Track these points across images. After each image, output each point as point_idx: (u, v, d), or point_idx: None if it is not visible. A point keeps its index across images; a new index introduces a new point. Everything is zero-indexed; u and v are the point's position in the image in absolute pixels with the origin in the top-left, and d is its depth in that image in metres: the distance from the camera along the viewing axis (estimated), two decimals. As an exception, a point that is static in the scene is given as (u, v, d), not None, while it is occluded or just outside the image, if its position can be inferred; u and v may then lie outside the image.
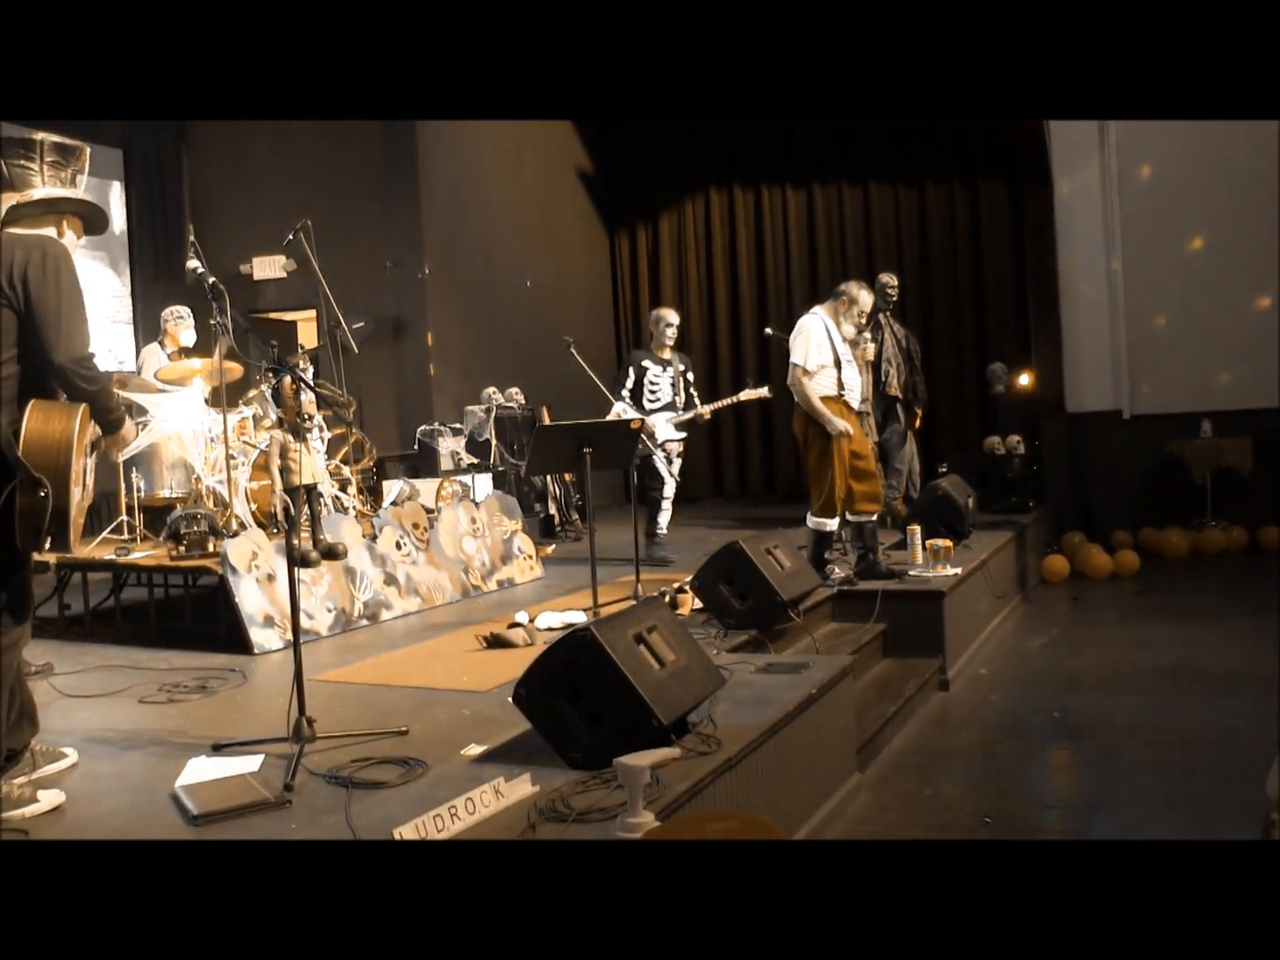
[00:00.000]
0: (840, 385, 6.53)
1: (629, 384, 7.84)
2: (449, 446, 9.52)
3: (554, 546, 9.18)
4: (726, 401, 8.28)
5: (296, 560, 3.89)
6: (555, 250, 13.56)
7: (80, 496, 3.19)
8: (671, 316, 8.00)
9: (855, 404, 6.69)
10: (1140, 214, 10.96)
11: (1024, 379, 10.89)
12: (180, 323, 7.49)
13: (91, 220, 3.55)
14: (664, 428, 7.84)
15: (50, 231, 3.37)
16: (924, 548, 6.97)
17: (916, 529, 7.14)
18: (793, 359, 6.56)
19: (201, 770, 3.48)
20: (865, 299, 6.71)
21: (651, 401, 7.82)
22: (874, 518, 6.82)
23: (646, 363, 7.89)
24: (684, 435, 8.02)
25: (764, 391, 8.22)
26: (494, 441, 9.93)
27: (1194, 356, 10.80)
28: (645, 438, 7.51)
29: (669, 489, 7.93)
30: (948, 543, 6.98)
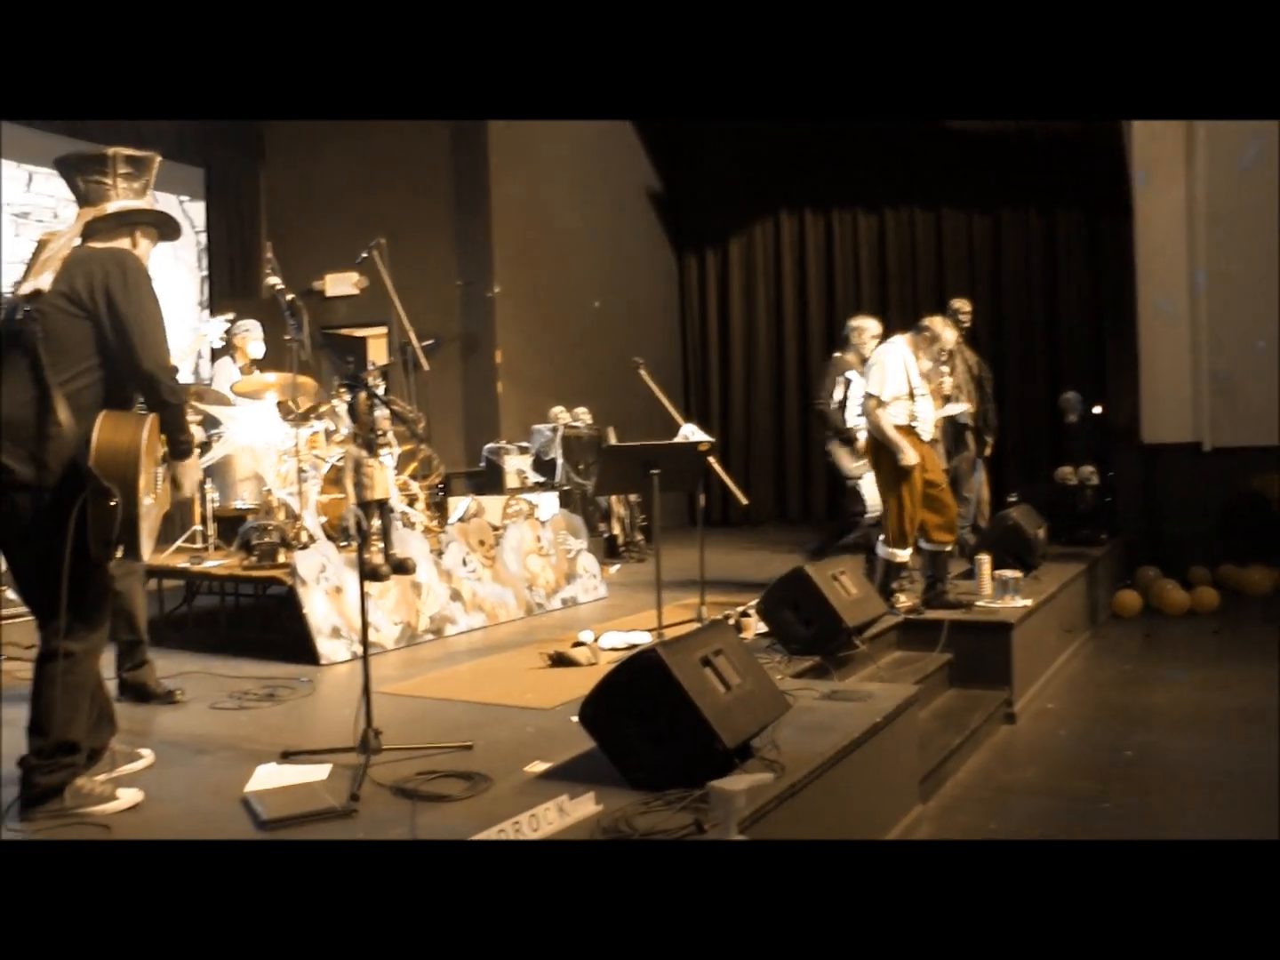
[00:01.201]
0: (912, 416, 6.54)
1: (838, 396, 7.62)
2: (515, 464, 9.63)
3: (618, 567, 9.24)
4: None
5: (367, 574, 3.96)
6: (624, 272, 13.67)
7: (152, 505, 3.27)
8: (876, 327, 7.84)
9: (926, 436, 6.67)
10: (1224, 241, 10.81)
11: (1098, 409, 10.78)
12: (247, 335, 7.52)
13: (164, 229, 3.63)
14: None
15: (125, 244, 3.44)
16: (992, 578, 6.94)
17: (985, 559, 7.10)
18: (867, 388, 6.57)
19: (271, 777, 3.56)
20: (949, 336, 6.75)
21: (859, 416, 7.55)
22: (948, 547, 6.82)
23: (852, 375, 7.68)
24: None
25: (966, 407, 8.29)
26: (560, 461, 10.02)
27: (1277, 387, 10.62)
28: (857, 458, 7.50)
29: (873, 516, 7.60)
30: (1017, 573, 6.93)
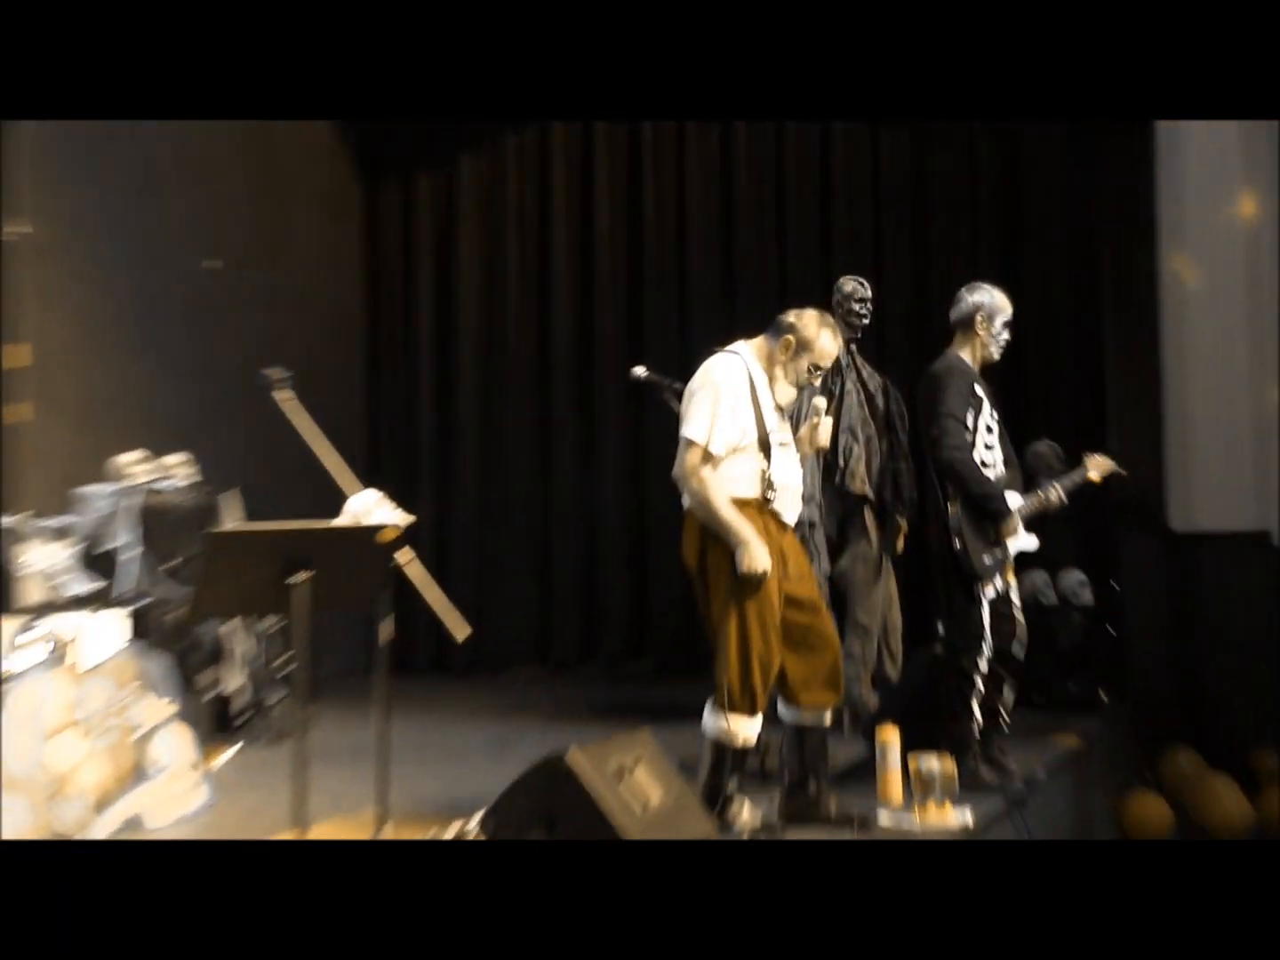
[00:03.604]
0: (766, 483, 6.63)
1: (969, 423, 7.65)
2: (42, 559, 9.41)
3: (236, 749, 9.12)
4: (1071, 481, 8.24)
5: None
6: (265, 220, 13.61)
7: None
8: (1007, 307, 7.97)
9: (789, 515, 6.79)
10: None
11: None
12: None
13: None
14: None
15: None
16: (906, 772, 7.06)
17: (893, 736, 7.22)
18: (684, 431, 6.62)
19: None
20: (827, 345, 6.78)
21: (987, 464, 7.72)
22: (826, 715, 6.89)
23: (980, 389, 7.76)
24: (1035, 546, 7.89)
25: (1113, 465, 8.43)
26: (134, 552, 9.84)
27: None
28: (974, 544, 7.57)
29: (987, 657, 7.63)
30: (949, 764, 7.05)
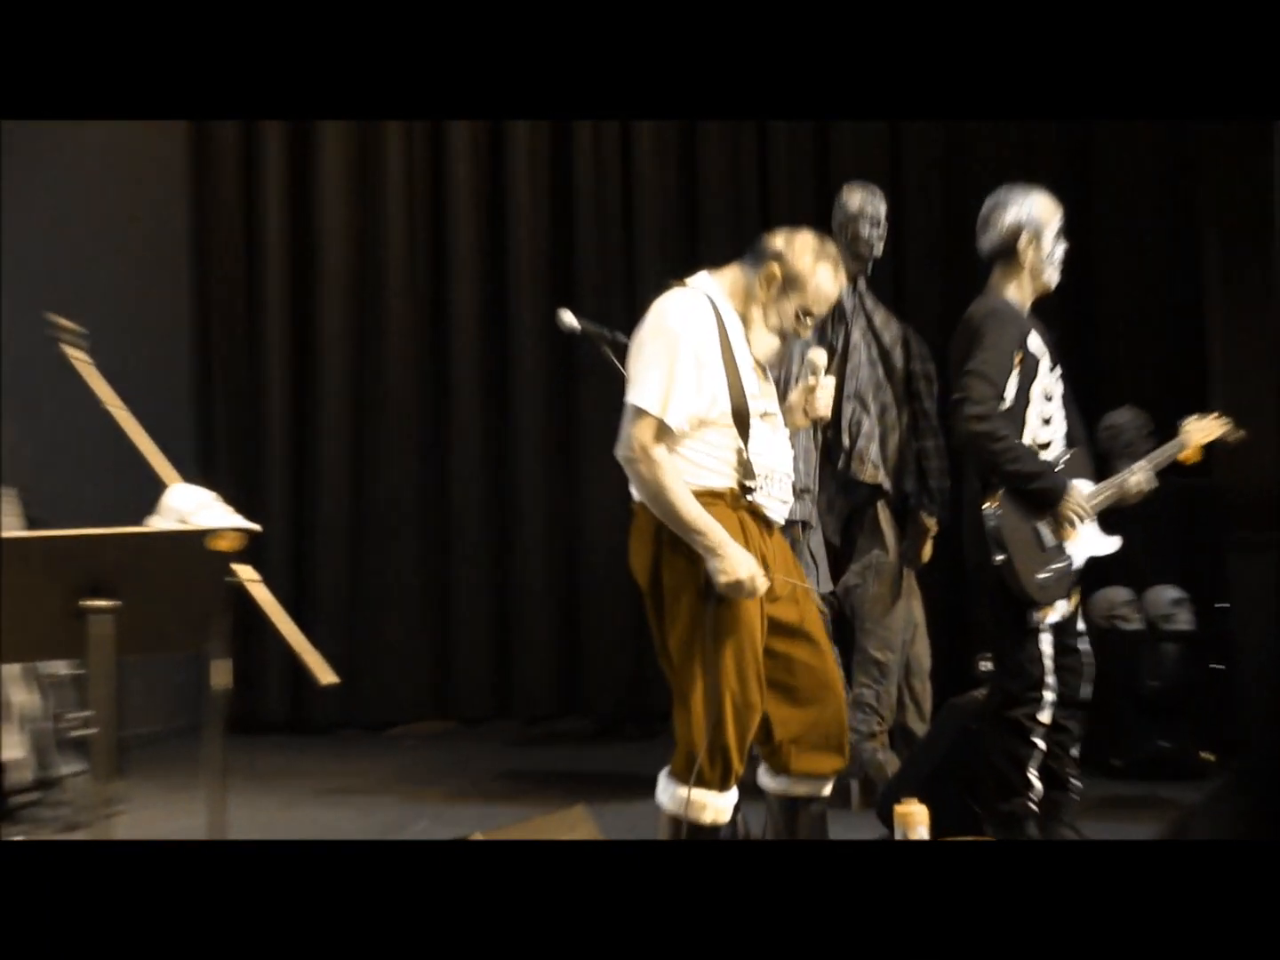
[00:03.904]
0: (744, 468, 6.48)
1: (1011, 390, 7.37)
2: None
3: (19, 840, 8.91)
4: (1164, 456, 7.94)
5: None
6: (59, 134, 13.42)
7: None
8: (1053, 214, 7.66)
9: (775, 512, 6.66)
10: None
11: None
12: None
13: None
14: (1089, 527, 7.63)
15: None
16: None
17: (917, 812, 7.05)
18: (631, 397, 6.44)
19: None
20: (824, 283, 6.64)
21: (1043, 444, 7.48)
22: (826, 785, 6.84)
23: (1036, 341, 7.48)
24: (1115, 548, 7.71)
25: (1220, 429, 8.11)
26: None
27: None
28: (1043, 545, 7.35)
29: (1049, 703, 7.37)
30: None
